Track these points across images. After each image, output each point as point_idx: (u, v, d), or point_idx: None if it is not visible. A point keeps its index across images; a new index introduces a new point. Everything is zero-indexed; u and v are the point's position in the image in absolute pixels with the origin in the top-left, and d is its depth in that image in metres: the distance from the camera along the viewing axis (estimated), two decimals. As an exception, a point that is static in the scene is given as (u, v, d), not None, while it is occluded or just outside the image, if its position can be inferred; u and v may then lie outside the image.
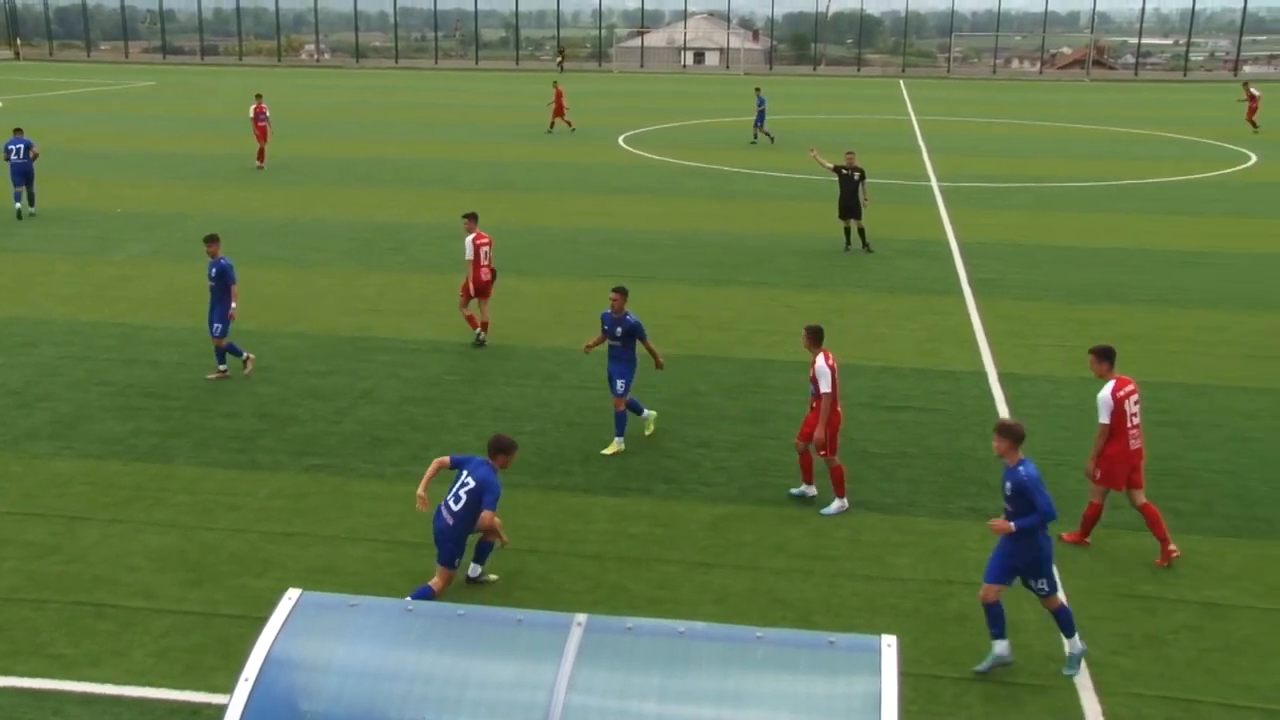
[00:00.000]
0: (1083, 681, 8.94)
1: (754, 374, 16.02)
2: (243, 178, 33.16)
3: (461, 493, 9.85)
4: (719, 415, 14.52)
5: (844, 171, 23.58)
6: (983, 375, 16.14)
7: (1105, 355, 11.16)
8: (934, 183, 33.07)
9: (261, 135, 34.66)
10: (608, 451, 13.25)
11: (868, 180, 23.82)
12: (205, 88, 66.10)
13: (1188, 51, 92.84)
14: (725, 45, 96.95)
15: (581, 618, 5.15)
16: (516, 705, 4.80)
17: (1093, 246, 24.60)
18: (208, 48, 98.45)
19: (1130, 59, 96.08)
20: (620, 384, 13.26)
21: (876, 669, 4.83)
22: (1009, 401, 15.05)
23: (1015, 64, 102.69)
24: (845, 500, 11.86)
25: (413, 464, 12.91)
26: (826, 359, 11.58)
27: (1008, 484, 8.89)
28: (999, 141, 43.69)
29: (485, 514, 9.75)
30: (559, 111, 44.05)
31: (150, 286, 20.76)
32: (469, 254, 17.03)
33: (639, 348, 13.44)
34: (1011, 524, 8.81)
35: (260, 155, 34.73)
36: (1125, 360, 16.81)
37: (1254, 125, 46.36)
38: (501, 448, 10.14)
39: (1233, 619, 9.85)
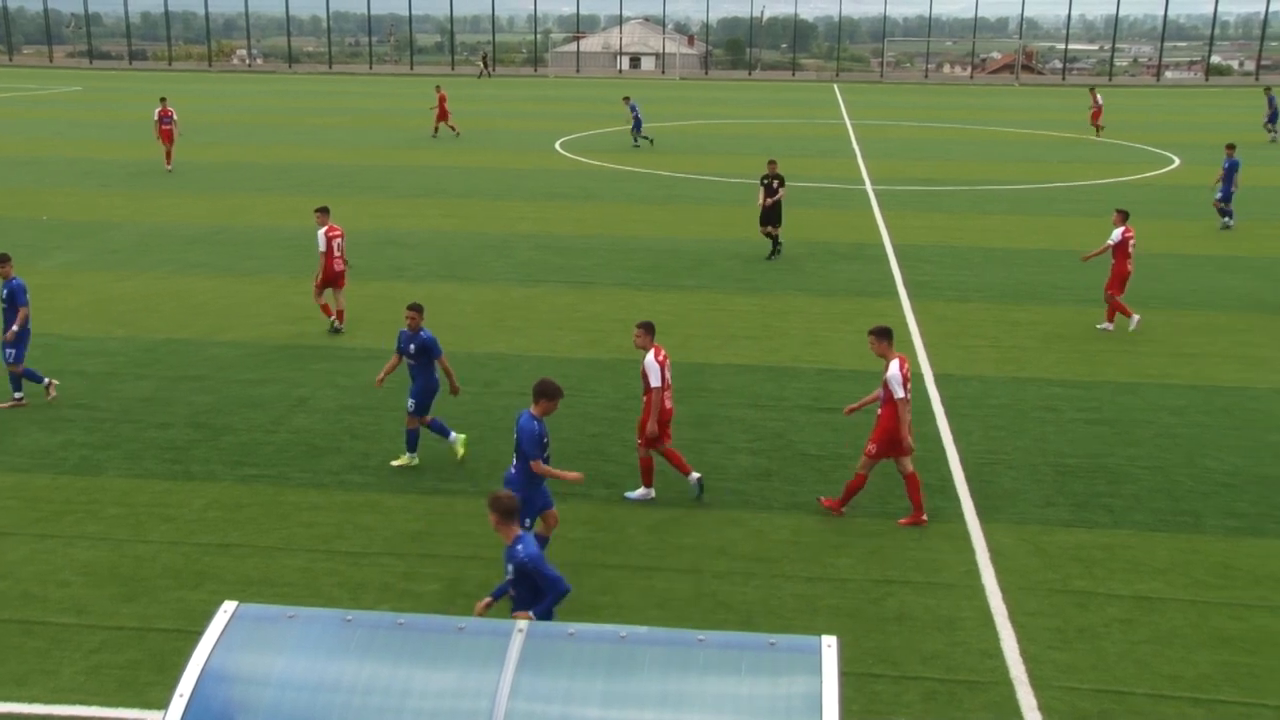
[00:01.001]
0: (1019, 676, 9.09)
1: (694, 378, 16.07)
2: (172, 184, 32.63)
3: (516, 449, 10.03)
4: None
5: (765, 180, 23.61)
6: (919, 376, 16.33)
7: (885, 335, 11.60)
8: (869, 186, 33.42)
9: (167, 138, 34.99)
10: (396, 463, 12.92)
11: (785, 186, 23.65)
12: (134, 93, 64.93)
13: (1112, 57, 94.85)
14: (661, 50, 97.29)
15: (523, 624, 5.13)
16: (459, 713, 4.77)
17: (1022, 248, 25.03)
18: (136, 52, 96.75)
19: (1058, 64, 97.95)
20: (410, 403, 12.77)
21: (817, 669, 4.86)
22: (944, 402, 15.26)
23: (947, 69, 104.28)
24: (650, 490, 12.16)
25: (351, 473, 12.79)
26: (656, 355, 11.84)
27: (509, 566, 7.92)
28: (931, 145, 44.30)
29: (534, 464, 9.77)
30: (442, 115, 44.14)
31: (77, 296, 20.36)
32: (322, 246, 17.85)
33: (438, 368, 12.88)
34: (530, 613, 7.82)
35: (168, 157, 35.08)
36: (1056, 359, 17.20)
37: (1098, 128, 46.94)
38: (541, 392, 10.00)
39: (1162, 611, 10.08)
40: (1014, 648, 9.49)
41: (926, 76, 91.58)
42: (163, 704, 5.68)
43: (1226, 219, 27.54)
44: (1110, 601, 10.24)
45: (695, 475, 12.20)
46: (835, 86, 77.62)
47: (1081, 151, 42.63)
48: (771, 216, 23.52)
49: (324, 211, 18.21)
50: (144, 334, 18.02)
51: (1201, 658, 9.38)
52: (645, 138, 41.97)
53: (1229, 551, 11.19)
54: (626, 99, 43.53)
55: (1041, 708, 8.70)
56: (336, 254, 17.96)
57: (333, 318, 18.22)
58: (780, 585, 10.46)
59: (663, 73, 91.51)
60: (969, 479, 12.81)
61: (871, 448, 11.60)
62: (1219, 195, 27.53)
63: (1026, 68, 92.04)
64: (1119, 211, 18.80)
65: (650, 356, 11.86)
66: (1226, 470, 13.15)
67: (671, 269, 22.71)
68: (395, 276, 21.91)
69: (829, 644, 4.97)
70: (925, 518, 11.75)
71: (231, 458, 13.24)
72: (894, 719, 8.56)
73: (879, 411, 11.68)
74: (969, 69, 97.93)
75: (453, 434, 13.23)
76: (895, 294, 20.99)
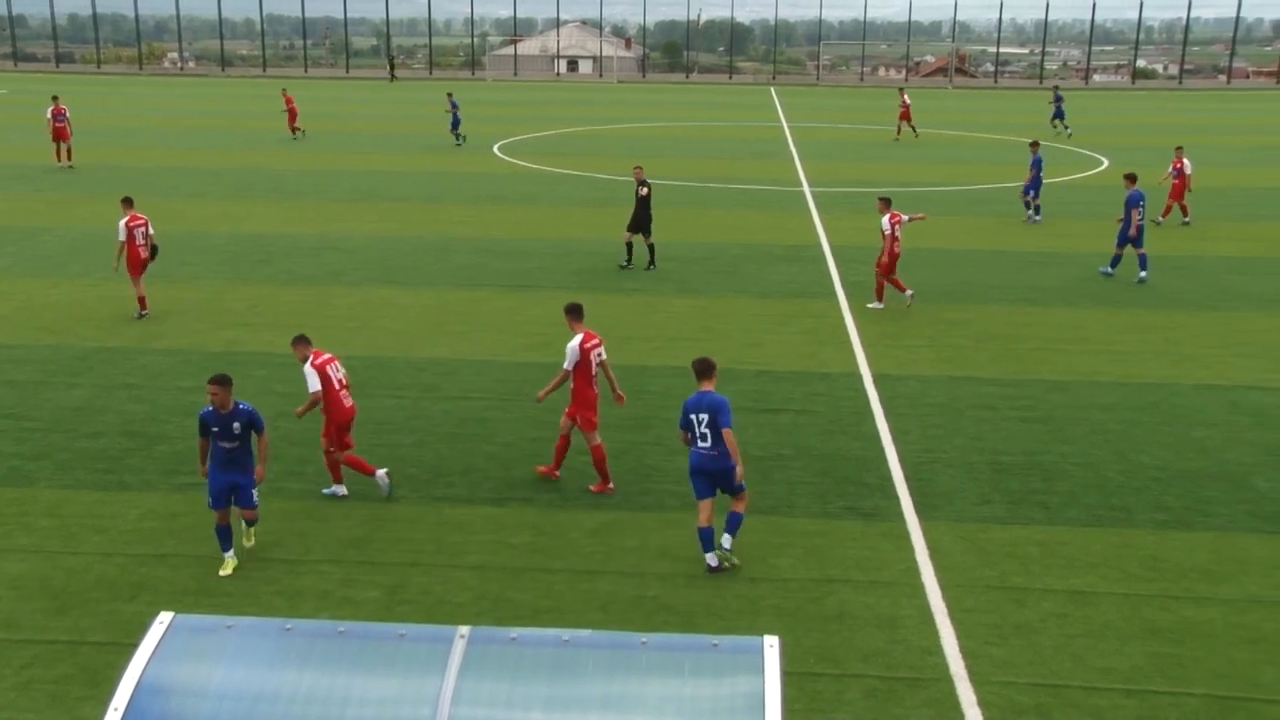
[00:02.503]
0: (958, 672, 9.22)
1: (633, 380, 16.09)
2: (103, 189, 32.01)
3: (705, 429, 10.44)
4: (600, 422, 14.51)
5: (637, 187, 23.00)
6: (858, 376, 16.52)
7: (573, 312, 12.57)
8: (806, 188, 33.69)
9: (61, 135, 35.80)
10: (224, 572, 10.64)
11: (649, 195, 22.77)
12: (62, 96, 63.56)
13: (1043, 60, 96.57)
14: (598, 53, 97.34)
15: (465, 630, 5.11)
16: (401, 721, 4.75)
17: (957, 249, 25.39)
18: (63, 55, 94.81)
19: (990, 67, 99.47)
20: (255, 493, 10.70)
21: (759, 669, 4.90)
22: (883, 401, 15.43)
23: (882, 71, 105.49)
24: (342, 487, 12.25)
25: (289, 479, 12.64)
26: (315, 360, 11.86)
27: None
28: (867, 147, 44.75)
29: (727, 433, 10.35)
30: (292, 118, 44.50)
31: (5, 303, 19.91)
32: (121, 235, 18.70)
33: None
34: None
35: (65, 155, 35.84)
36: (991, 357, 17.46)
37: (904, 130, 46.80)
38: (711, 366, 10.88)
39: (1095, 605, 10.28)
40: (953, 644, 9.62)
41: (862, 79, 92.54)
42: (96, 719, 5.58)
43: (1031, 213, 28.78)
44: (1045, 596, 10.42)
45: (381, 472, 12.28)
46: (772, 89, 78.12)
47: (1013, 154, 43.28)
48: (641, 223, 22.76)
49: (127, 202, 19.21)
50: (75, 341, 17.68)
51: (1133, 649, 9.58)
52: (460, 136, 43.10)
53: (1158, 545, 11.45)
54: (449, 95, 44.88)
55: (980, 703, 8.84)
56: (140, 242, 18.76)
57: (142, 306, 19.03)
58: (722, 586, 10.52)
59: (600, 76, 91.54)
60: (908, 478, 12.96)
61: (571, 412, 12.43)
62: (1024, 189, 28.94)
63: (960, 70, 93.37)
64: (881, 200, 20.55)
65: (308, 365, 11.81)
66: (1155, 465, 13.44)
67: (609, 271, 22.72)
68: (332, 281, 21.70)
69: (771, 644, 5.01)
70: (612, 486, 12.43)
71: (166, 466, 13.02)
72: (836, 717, 8.65)
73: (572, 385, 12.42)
74: (904, 72, 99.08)
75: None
76: (833, 295, 21.19)
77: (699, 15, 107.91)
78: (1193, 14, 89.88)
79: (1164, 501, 12.47)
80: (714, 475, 10.56)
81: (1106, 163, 40.65)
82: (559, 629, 5.23)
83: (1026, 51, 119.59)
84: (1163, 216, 28.46)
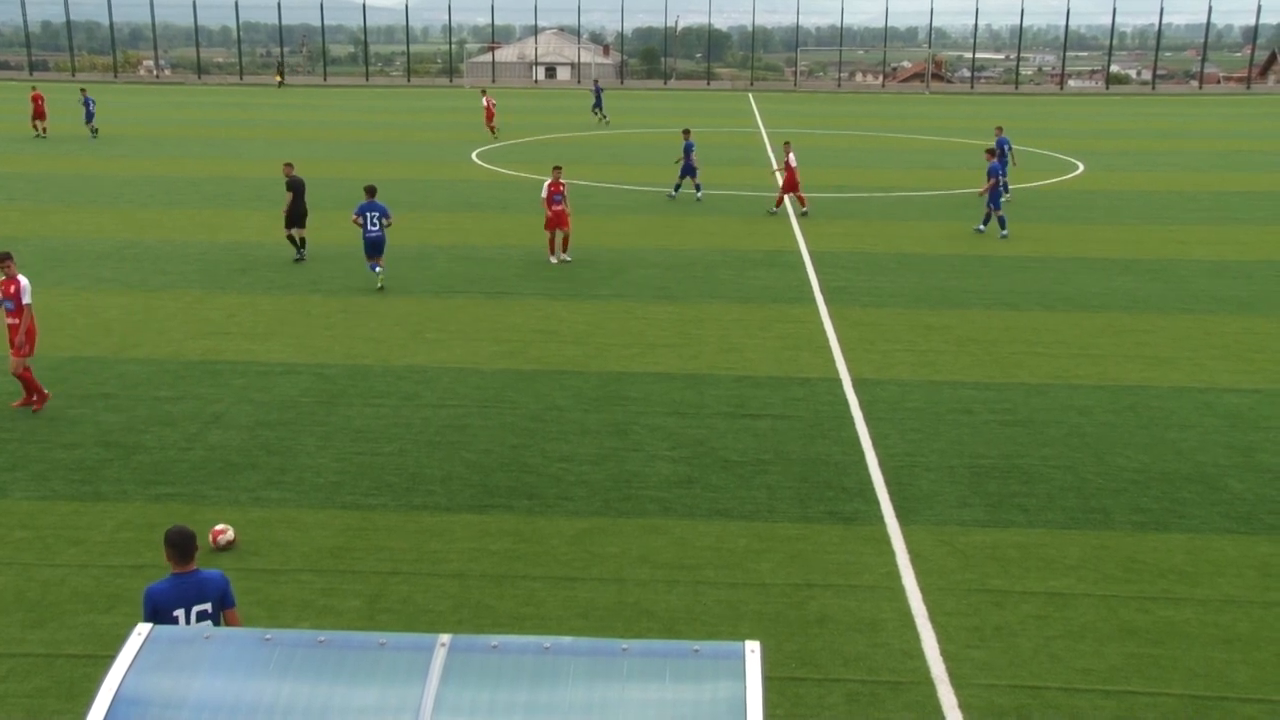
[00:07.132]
0: (939, 675, 9.25)
1: (613, 387, 16.11)
2: (80, 198, 31.83)
3: (376, 221, 21.16)
4: (580, 429, 14.54)
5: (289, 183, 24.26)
6: (837, 381, 16.56)
7: (3, 257, 14.63)
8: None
9: None
10: None
11: (291, 193, 24.04)
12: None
13: (1018, 66, 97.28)
14: (576, 60, 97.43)
15: (445, 638, 5.10)
16: (381, 730, 4.73)
17: (934, 253, 25.51)
18: (37, 63, 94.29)
19: (966, 73, 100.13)
20: None
21: (741, 675, 4.91)
22: (862, 406, 15.48)
23: (859, 77, 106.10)
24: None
25: (268, 489, 12.58)
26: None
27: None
28: (845, 153, 44.94)
29: (388, 220, 21.18)
30: (39, 114, 46.84)
31: (-21, 313, 19.74)
32: None
33: None
34: None
35: None
36: (970, 361, 17.54)
37: (492, 130, 49.20)
38: (373, 189, 21.41)
39: (1074, 607, 10.33)
40: (934, 647, 9.65)
41: (839, 85, 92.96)
42: (75, 731, 5.54)
43: (674, 193, 32.76)
44: (1025, 599, 10.47)
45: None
46: (750, 95, 78.34)
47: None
48: (295, 218, 24.12)
49: None
50: (50, 352, 17.53)
51: (1111, 650, 9.64)
52: (93, 130, 46.88)
53: (1135, 546, 11.52)
54: (83, 90, 48.52)
55: (961, 706, 8.86)
56: None
57: None
58: (703, 592, 10.52)
59: (579, 82, 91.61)
60: (888, 482, 13.00)
61: (25, 348, 14.62)
62: (682, 171, 32.43)
63: (936, 76, 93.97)
64: (555, 168, 24.41)
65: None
66: (1133, 468, 13.53)
67: (587, 278, 22.72)
68: (311, 290, 21.63)
69: (752, 649, 5.01)
70: (47, 393, 14.97)
71: (144, 477, 12.94)
72: (817, 721, 8.65)
73: (12, 320, 14.60)
74: (880, 77, 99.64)
75: None
76: (812, 300, 21.25)
77: (677, 22, 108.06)
78: (1164, 20, 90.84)
79: (1141, 503, 12.55)
80: (379, 246, 21.16)
81: (1082, 167, 40.94)
82: (540, 636, 5.22)
83: (1002, 57, 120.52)
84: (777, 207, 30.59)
